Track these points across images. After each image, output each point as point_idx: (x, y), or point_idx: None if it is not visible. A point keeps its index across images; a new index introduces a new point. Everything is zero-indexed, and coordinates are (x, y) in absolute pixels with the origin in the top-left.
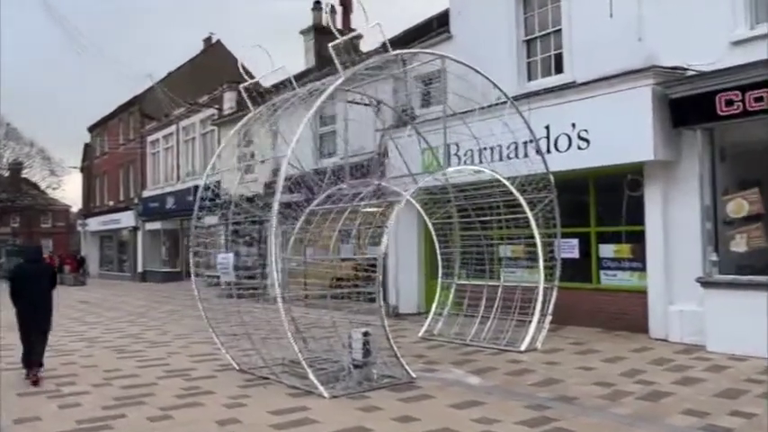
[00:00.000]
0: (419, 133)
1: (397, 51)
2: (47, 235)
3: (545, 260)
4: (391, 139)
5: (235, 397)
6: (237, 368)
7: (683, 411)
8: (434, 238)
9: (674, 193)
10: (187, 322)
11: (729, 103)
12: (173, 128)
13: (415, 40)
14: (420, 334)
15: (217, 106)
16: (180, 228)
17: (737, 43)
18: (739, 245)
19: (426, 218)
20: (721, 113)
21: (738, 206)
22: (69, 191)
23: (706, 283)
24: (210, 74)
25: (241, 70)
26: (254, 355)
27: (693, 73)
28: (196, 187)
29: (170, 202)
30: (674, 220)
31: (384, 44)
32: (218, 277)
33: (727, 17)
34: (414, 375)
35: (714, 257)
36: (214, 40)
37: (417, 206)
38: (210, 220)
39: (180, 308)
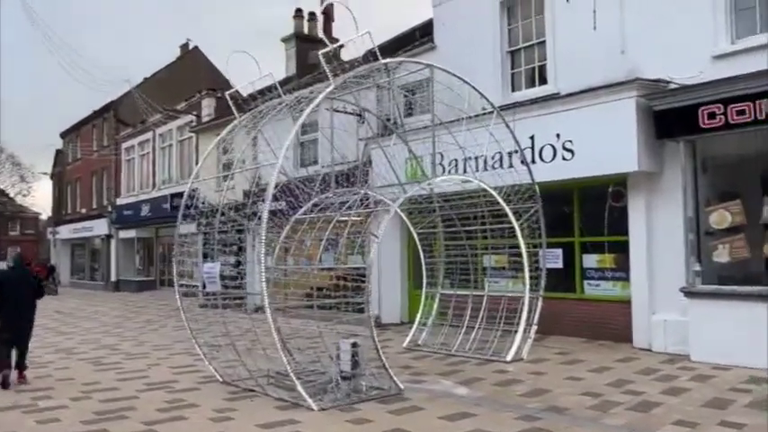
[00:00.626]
0: (405, 142)
1: (387, 60)
2: (15, 242)
3: (530, 270)
4: (379, 147)
5: (221, 410)
6: (221, 380)
7: (674, 422)
8: (419, 247)
9: (657, 203)
10: (165, 332)
11: (712, 115)
12: (149, 134)
13: (398, 50)
14: (404, 344)
15: (195, 113)
16: (155, 236)
17: (719, 57)
18: (722, 255)
19: (411, 227)
20: (704, 126)
21: (721, 217)
22: (39, 198)
23: (689, 293)
24: (187, 80)
25: (228, 77)
26: (239, 366)
27: (676, 86)
28: (173, 195)
29: (145, 210)
30: (658, 231)
31: (373, 53)
32: (196, 287)
33: (708, 32)
34: (402, 387)
35: (697, 268)
36: (191, 47)
37: (402, 215)
38: (186, 228)
39: (157, 317)
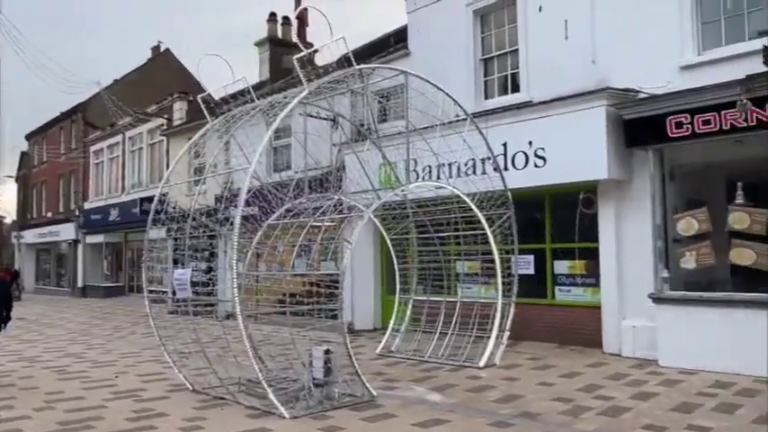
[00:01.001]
0: (379, 148)
1: (361, 66)
2: None
3: (502, 276)
4: (353, 152)
5: (191, 419)
6: (191, 388)
7: (643, 426)
8: (392, 253)
9: (626, 210)
10: (133, 339)
11: (679, 125)
12: (118, 137)
13: (373, 56)
14: (377, 351)
15: (166, 116)
16: (124, 241)
17: (686, 68)
18: (689, 262)
19: (384, 233)
20: (671, 135)
21: (688, 225)
22: (4, 201)
23: (657, 299)
24: (159, 83)
25: (200, 80)
26: (209, 374)
27: (645, 95)
28: (142, 199)
29: (114, 215)
30: (627, 238)
31: (347, 58)
32: (166, 293)
33: (676, 43)
34: (375, 393)
35: (665, 274)
36: (162, 49)
37: (376, 221)
38: (156, 233)
39: (125, 324)
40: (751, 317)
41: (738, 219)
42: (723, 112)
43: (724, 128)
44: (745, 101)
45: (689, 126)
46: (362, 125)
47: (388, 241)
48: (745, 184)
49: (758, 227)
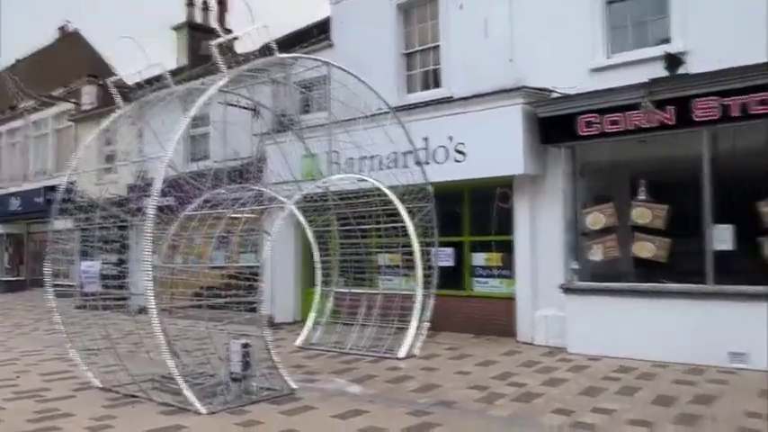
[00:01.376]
0: (301, 139)
1: (284, 55)
2: None
3: (423, 268)
4: (275, 143)
5: (99, 418)
6: (100, 386)
7: (554, 410)
8: (313, 245)
9: (540, 205)
10: (36, 336)
11: (589, 124)
12: (20, 122)
13: (295, 46)
14: (297, 343)
15: (74, 100)
16: (26, 232)
17: (596, 70)
18: (596, 254)
19: (306, 225)
20: (582, 134)
21: (596, 219)
22: None
23: (567, 290)
24: (66, 65)
25: (110, 63)
26: (119, 371)
27: (558, 95)
28: (47, 188)
29: (15, 204)
30: (540, 231)
31: (268, 46)
32: (72, 287)
33: (587, 46)
34: (294, 386)
35: (575, 266)
36: (71, 29)
37: (297, 213)
38: (62, 224)
39: (26, 321)
40: (651, 306)
41: (640, 214)
42: (628, 113)
43: (629, 128)
44: (648, 103)
45: (598, 125)
46: (284, 116)
47: (310, 234)
48: (648, 182)
49: (658, 221)
